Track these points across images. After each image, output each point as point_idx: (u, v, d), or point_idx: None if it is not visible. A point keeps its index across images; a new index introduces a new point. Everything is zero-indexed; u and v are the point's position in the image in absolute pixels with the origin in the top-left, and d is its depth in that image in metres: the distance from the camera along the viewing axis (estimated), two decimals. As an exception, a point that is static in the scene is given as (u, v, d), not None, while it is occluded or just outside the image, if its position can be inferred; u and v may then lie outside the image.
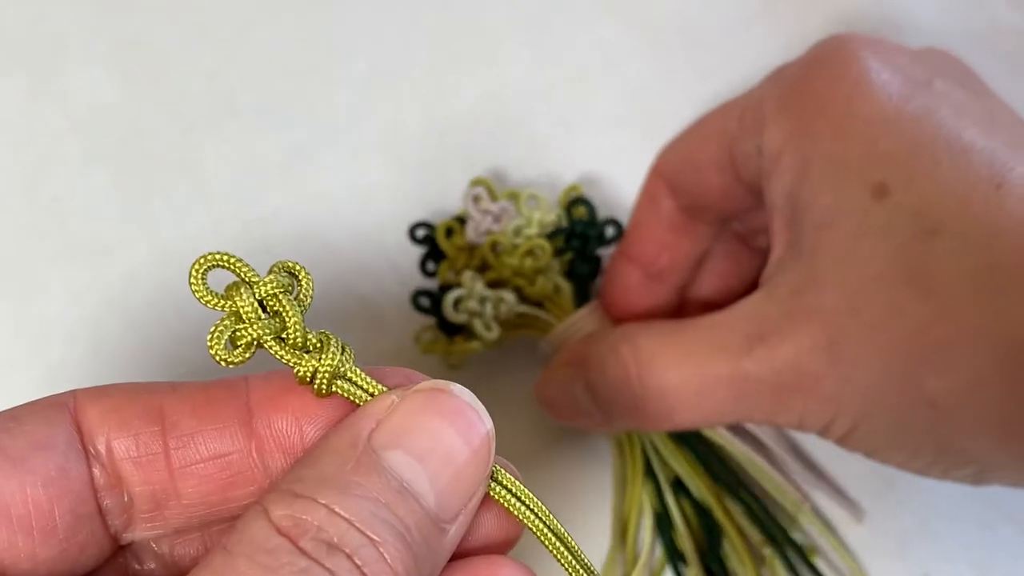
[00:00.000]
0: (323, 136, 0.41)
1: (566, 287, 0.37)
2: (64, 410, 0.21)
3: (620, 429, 0.35)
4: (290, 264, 0.22)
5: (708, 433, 0.35)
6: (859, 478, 0.37)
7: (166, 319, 0.39)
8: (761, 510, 0.35)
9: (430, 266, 0.38)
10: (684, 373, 0.30)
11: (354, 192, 0.40)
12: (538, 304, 0.36)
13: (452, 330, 0.36)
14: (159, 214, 0.40)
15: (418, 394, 0.21)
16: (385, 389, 0.21)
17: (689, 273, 0.36)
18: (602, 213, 0.38)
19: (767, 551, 0.35)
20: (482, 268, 0.37)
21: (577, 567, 0.22)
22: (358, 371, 0.22)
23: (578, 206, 0.38)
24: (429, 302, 0.37)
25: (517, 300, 0.36)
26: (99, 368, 0.39)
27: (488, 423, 0.21)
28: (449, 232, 0.37)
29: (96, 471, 0.21)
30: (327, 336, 0.21)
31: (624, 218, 0.38)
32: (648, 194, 0.35)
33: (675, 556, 0.35)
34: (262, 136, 0.41)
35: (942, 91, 0.29)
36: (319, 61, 0.42)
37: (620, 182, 0.40)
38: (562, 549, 0.22)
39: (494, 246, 0.37)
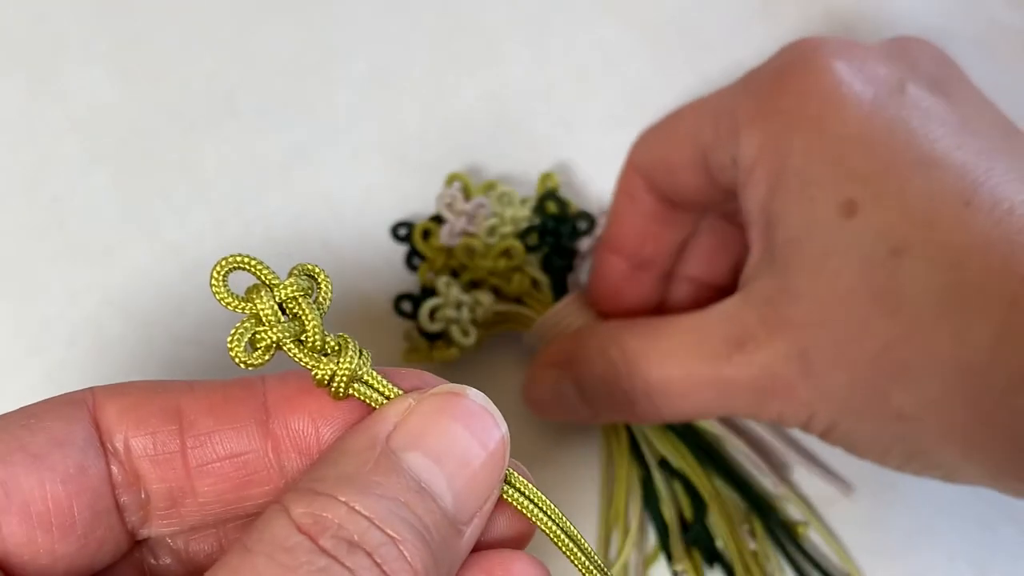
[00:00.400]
0: (323, 136, 0.41)
1: (544, 281, 0.37)
2: (83, 407, 0.21)
3: (608, 422, 0.36)
4: (309, 267, 0.22)
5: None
6: (860, 478, 0.37)
7: (167, 319, 0.39)
8: (745, 485, 0.36)
9: (415, 262, 0.38)
10: (670, 373, 0.31)
11: (354, 192, 0.40)
12: (517, 300, 0.37)
13: (432, 336, 0.37)
14: (159, 214, 0.40)
15: (434, 397, 0.21)
16: (400, 392, 0.22)
17: (674, 258, 0.36)
18: (596, 208, 0.39)
19: (754, 523, 0.36)
20: (460, 268, 0.37)
21: (590, 567, 0.23)
22: (375, 374, 0.22)
23: (549, 201, 0.38)
24: (411, 307, 0.37)
25: (494, 300, 0.37)
26: (99, 368, 0.39)
27: (503, 426, 0.21)
28: (426, 234, 0.38)
29: (114, 468, 0.21)
30: (345, 339, 0.22)
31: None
32: (625, 188, 0.35)
33: (664, 530, 0.35)
34: (262, 136, 0.41)
35: (914, 98, 0.28)
36: (319, 61, 0.42)
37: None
38: (575, 549, 0.22)
39: (468, 249, 0.37)
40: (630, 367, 0.31)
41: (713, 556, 0.35)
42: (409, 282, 0.39)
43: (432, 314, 0.36)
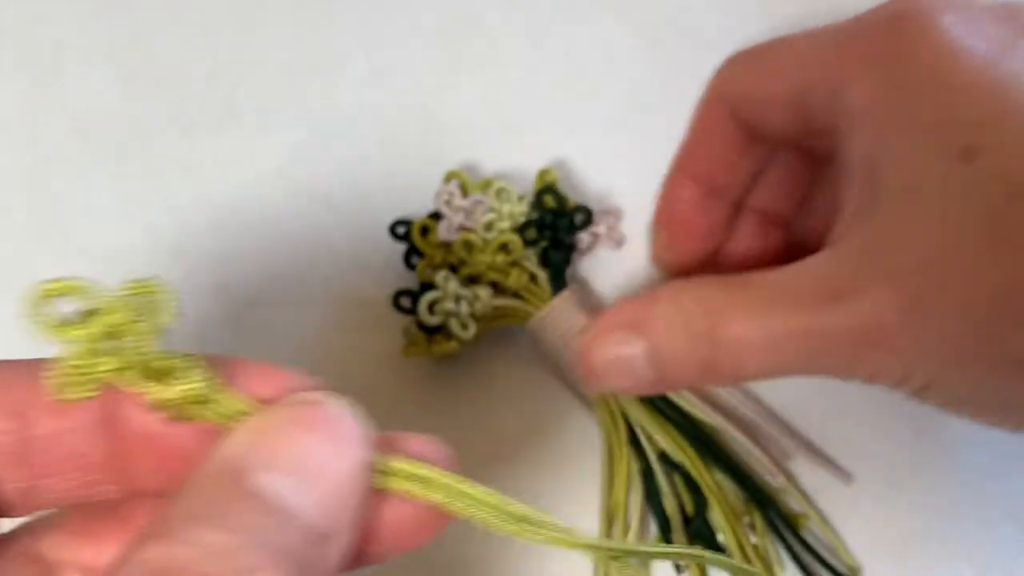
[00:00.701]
0: (323, 136, 0.41)
1: (542, 275, 0.38)
2: None
3: (673, 390, 0.35)
4: (143, 282, 0.21)
5: (687, 408, 0.36)
6: (861, 475, 0.37)
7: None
8: (745, 477, 0.36)
9: (414, 260, 0.39)
10: (758, 325, 0.29)
11: (354, 191, 0.40)
12: (515, 295, 0.37)
13: (431, 329, 0.37)
14: (159, 214, 0.40)
15: (286, 409, 0.21)
16: (251, 405, 0.21)
17: (747, 188, 0.36)
18: (596, 205, 0.39)
19: (754, 517, 0.36)
20: (459, 263, 0.38)
21: (506, 517, 0.22)
22: (225, 392, 0.21)
23: (547, 196, 0.38)
24: (410, 302, 0.37)
25: (492, 295, 0.37)
26: (99, 368, 0.39)
27: (362, 428, 0.21)
28: (425, 231, 0.38)
29: None
30: (189, 359, 0.21)
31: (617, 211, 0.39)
32: (706, 114, 0.35)
33: (665, 524, 0.36)
34: (262, 136, 0.41)
35: None
36: (318, 61, 0.42)
37: (621, 181, 0.40)
38: (483, 506, 0.22)
39: (466, 244, 0.37)
40: (712, 320, 0.30)
41: (715, 550, 0.36)
42: (409, 280, 0.39)
43: (431, 308, 0.37)
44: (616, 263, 0.40)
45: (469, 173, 0.40)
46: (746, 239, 0.36)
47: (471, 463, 0.37)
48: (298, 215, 0.40)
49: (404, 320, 0.38)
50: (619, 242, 0.39)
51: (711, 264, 0.36)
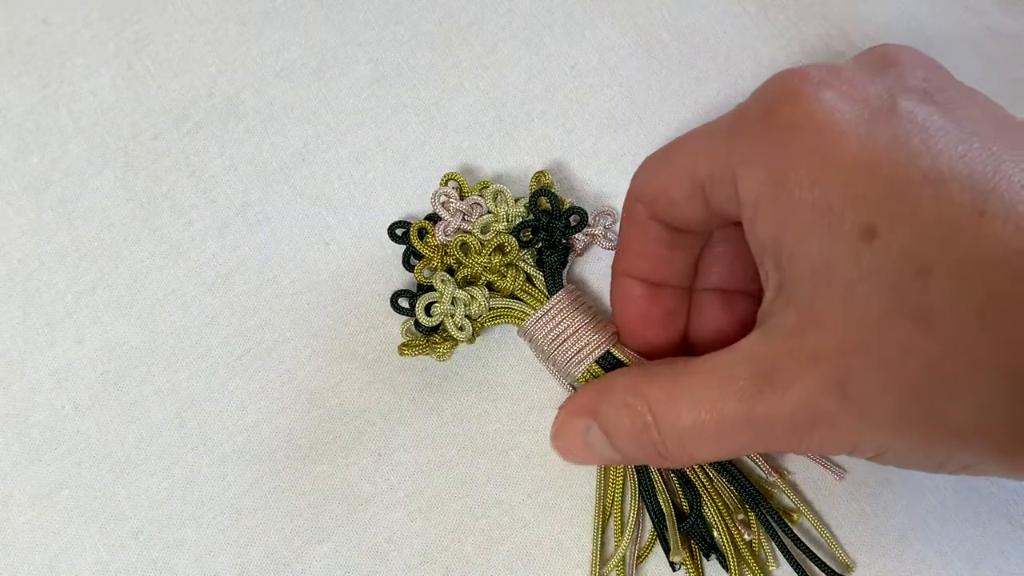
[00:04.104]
0: (325, 138, 0.42)
1: (538, 276, 0.38)
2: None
3: (638, 464, 0.36)
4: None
5: None
6: (853, 472, 0.37)
7: (172, 317, 0.40)
8: (738, 474, 0.36)
9: (412, 262, 0.39)
10: (699, 417, 0.30)
11: (356, 193, 0.41)
12: (512, 296, 0.38)
13: (428, 330, 0.37)
14: (164, 215, 0.41)
15: None
16: None
17: (691, 275, 0.36)
18: (592, 208, 0.40)
19: (748, 513, 0.36)
20: (456, 265, 0.38)
21: None
22: None
23: (542, 198, 0.38)
24: (408, 303, 0.38)
25: (488, 296, 0.37)
26: (106, 366, 0.39)
27: None
28: (423, 233, 0.39)
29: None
30: None
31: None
32: (630, 217, 0.35)
33: (660, 521, 0.36)
34: (266, 138, 0.42)
35: (908, 114, 0.28)
36: (321, 65, 0.43)
37: (618, 182, 0.41)
38: None
39: (463, 246, 0.38)
40: (658, 418, 0.31)
41: (710, 548, 0.36)
42: (407, 280, 0.39)
43: (428, 309, 0.37)
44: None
45: (467, 175, 0.40)
46: (712, 314, 0.36)
47: (467, 461, 0.38)
48: (301, 216, 0.41)
49: (401, 320, 0.38)
50: (615, 243, 0.39)
51: (680, 343, 0.37)
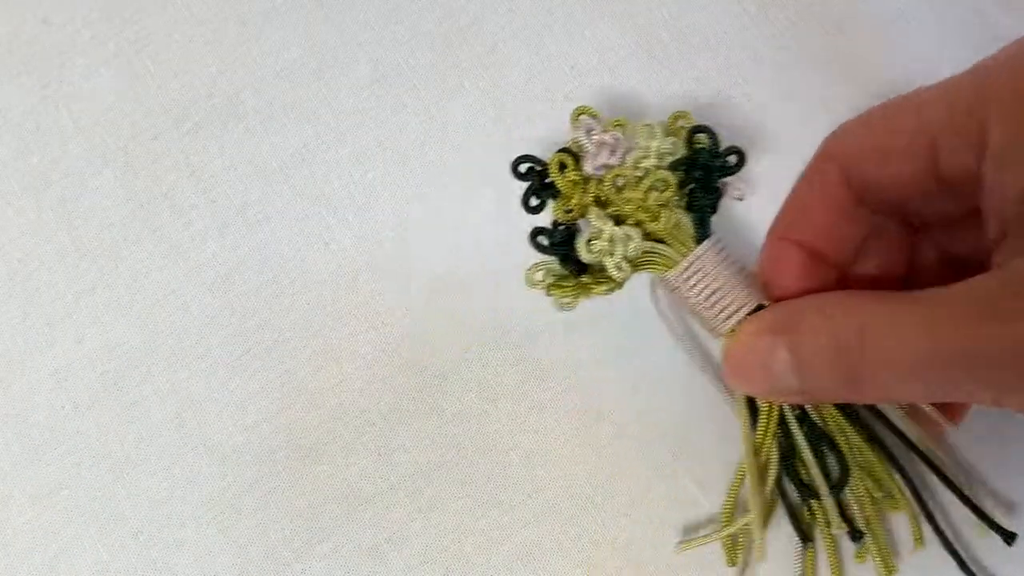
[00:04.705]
0: (326, 138, 0.42)
1: (686, 221, 0.35)
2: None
3: (813, 403, 0.35)
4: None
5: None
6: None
7: (172, 317, 0.40)
8: (893, 457, 0.35)
9: (533, 202, 0.36)
10: (913, 345, 0.28)
11: (356, 193, 0.41)
12: (659, 240, 0.35)
13: (581, 269, 0.35)
14: (164, 215, 0.41)
15: None
16: None
17: (853, 255, 0.35)
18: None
19: (898, 496, 0.35)
20: (597, 204, 0.35)
21: None
22: None
23: (698, 134, 0.35)
24: (548, 241, 0.35)
25: (642, 237, 0.34)
26: (106, 366, 0.39)
27: None
28: (563, 167, 0.35)
29: None
30: None
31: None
32: (814, 177, 0.34)
33: (804, 489, 0.35)
34: (266, 138, 0.42)
35: None
36: (322, 65, 0.43)
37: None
38: None
39: (616, 181, 0.35)
40: (863, 338, 0.29)
41: (857, 534, 0.35)
42: (411, 281, 0.39)
43: (587, 244, 0.34)
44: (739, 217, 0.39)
45: (467, 175, 0.40)
46: None
47: (467, 461, 0.38)
48: (301, 216, 0.41)
49: (416, 324, 0.37)
50: (743, 195, 0.37)
51: None
